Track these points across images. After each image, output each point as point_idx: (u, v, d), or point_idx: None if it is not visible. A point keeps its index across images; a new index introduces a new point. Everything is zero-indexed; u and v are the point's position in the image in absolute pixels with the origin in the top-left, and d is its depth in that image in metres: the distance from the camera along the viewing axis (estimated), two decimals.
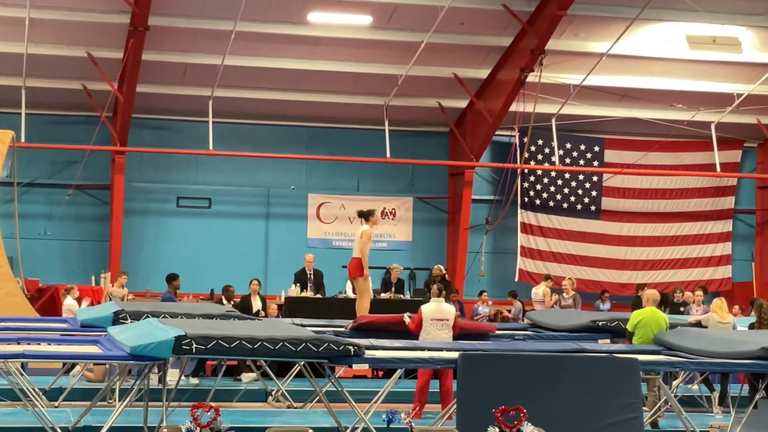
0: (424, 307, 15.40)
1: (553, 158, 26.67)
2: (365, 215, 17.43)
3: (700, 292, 21.11)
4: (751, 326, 17.35)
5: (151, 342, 11.98)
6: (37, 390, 15.05)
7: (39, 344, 13.73)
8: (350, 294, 22.36)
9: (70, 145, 24.75)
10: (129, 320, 14.82)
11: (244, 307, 19.85)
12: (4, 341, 13.49)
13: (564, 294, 22.05)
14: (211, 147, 24.63)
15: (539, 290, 22.60)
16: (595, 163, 27.40)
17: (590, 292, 25.19)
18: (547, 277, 23.15)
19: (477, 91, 25.50)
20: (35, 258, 24.80)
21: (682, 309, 21.04)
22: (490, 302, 24.05)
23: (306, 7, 22.81)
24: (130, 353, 12.12)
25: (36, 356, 12.90)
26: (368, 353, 12.80)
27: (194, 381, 17.98)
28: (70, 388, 15.89)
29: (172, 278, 20.84)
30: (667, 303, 20.57)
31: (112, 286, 22.05)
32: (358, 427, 13.10)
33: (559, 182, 27.27)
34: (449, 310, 15.49)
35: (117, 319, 14.98)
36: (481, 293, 24.42)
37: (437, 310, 15.31)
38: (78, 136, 24.87)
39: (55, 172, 25.41)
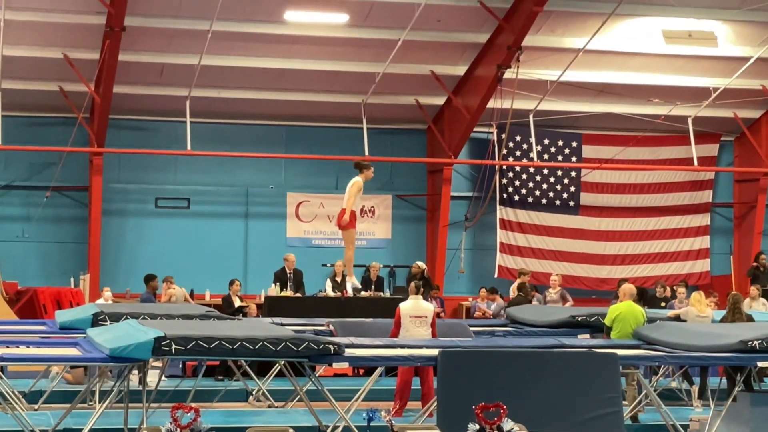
0: (402, 305, 15.42)
1: (531, 154, 26.71)
2: (360, 166, 17.45)
3: (683, 289, 21.15)
4: (723, 319, 17.40)
5: (131, 343, 11.96)
6: (16, 393, 15.00)
7: (18, 347, 13.69)
8: (330, 293, 22.40)
9: (48, 147, 24.67)
10: (108, 322, 14.78)
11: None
12: None
13: (550, 289, 22.08)
14: (189, 147, 24.59)
15: (513, 287, 22.62)
16: (573, 159, 27.46)
17: (570, 287, 25.21)
18: (521, 273, 23.12)
19: (454, 88, 25.53)
20: (13, 260, 24.73)
21: (663, 304, 21.09)
22: (498, 299, 23.65)
23: (282, 5, 22.80)
24: (109, 355, 12.10)
25: (15, 359, 12.87)
26: (348, 351, 12.81)
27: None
28: (49, 390, 15.86)
29: (149, 279, 20.84)
30: (645, 297, 20.62)
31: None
32: (339, 426, 13.11)
33: (538, 178, 27.32)
34: (427, 307, 15.51)
35: (96, 320, 14.95)
36: (480, 290, 24.41)
37: (415, 308, 15.33)
38: (55, 137, 24.79)
39: (32, 174, 25.33)
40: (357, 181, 17.36)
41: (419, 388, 15.41)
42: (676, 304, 20.46)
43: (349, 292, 19.02)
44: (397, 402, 15.24)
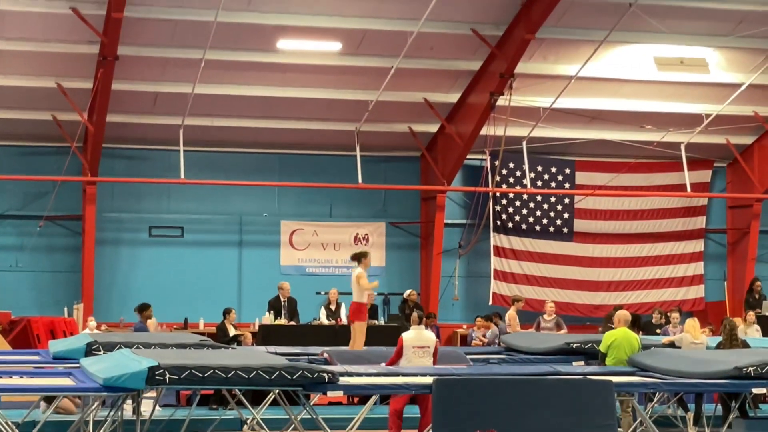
0: (404, 335, 15.37)
1: (524, 181, 26.74)
2: (358, 257, 17.65)
3: (676, 314, 21.18)
4: (719, 345, 17.43)
5: (124, 373, 11.94)
6: (9, 423, 14.93)
7: (11, 377, 13.65)
8: (324, 321, 22.41)
9: (41, 176, 24.67)
10: (102, 351, 14.75)
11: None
12: None
13: (545, 316, 22.08)
14: (182, 176, 24.59)
15: (507, 314, 22.65)
16: (567, 185, 27.49)
17: (564, 314, 25.21)
18: (515, 300, 23.14)
19: (447, 116, 25.57)
20: (7, 290, 24.69)
21: (658, 330, 21.10)
22: (495, 327, 23.71)
23: (275, 34, 22.85)
24: (103, 385, 12.08)
25: (8, 390, 12.83)
26: (343, 380, 12.80)
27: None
28: (43, 420, 15.78)
29: (143, 308, 20.80)
30: (639, 324, 20.64)
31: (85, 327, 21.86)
32: None
33: (531, 205, 27.34)
34: (430, 337, 15.46)
35: (90, 350, 14.91)
36: (476, 318, 24.43)
37: (418, 338, 15.28)
38: (48, 166, 24.79)
39: (25, 203, 25.31)
40: (358, 272, 17.53)
41: (417, 415, 15.36)
42: (669, 329, 20.47)
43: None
44: (392, 430, 15.19)
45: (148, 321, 20.67)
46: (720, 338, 18.15)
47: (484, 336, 23.73)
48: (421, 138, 26.26)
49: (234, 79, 23.89)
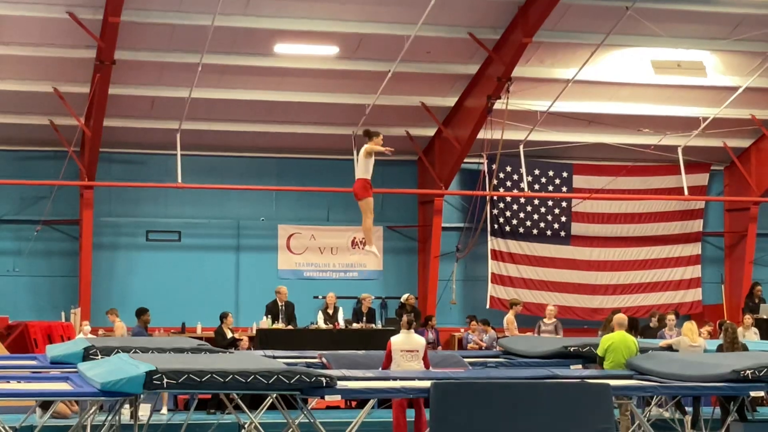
0: (393, 339, 15.36)
1: (521, 185, 26.75)
2: (369, 134, 16.95)
3: (672, 316, 21.19)
4: (719, 348, 17.44)
5: (122, 378, 11.91)
6: (7, 428, 14.92)
7: (8, 382, 13.63)
8: (321, 325, 22.40)
9: (38, 181, 24.67)
10: (99, 356, 14.73)
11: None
12: None
13: (545, 320, 22.07)
14: (179, 180, 24.58)
15: (505, 318, 22.64)
16: (564, 189, 27.50)
17: (562, 318, 25.18)
18: (513, 304, 23.12)
19: (444, 120, 25.58)
20: (4, 295, 24.71)
21: (657, 334, 21.09)
22: (493, 330, 23.80)
23: (272, 38, 22.85)
24: (100, 389, 12.05)
25: (5, 394, 12.80)
26: (340, 384, 12.78)
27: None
28: (40, 425, 15.79)
29: (141, 312, 20.78)
30: (636, 327, 20.63)
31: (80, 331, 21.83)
32: None
33: (529, 208, 27.35)
34: (419, 341, 15.43)
35: (87, 355, 14.89)
36: (470, 321, 24.43)
37: (406, 342, 15.25)
38: (46, 171, 24.80)
39: (23, 208, 25.30)
40: (365, 146, 16.78)
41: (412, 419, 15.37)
42: (666, 332, 20.46)
43: (377, 253, 18.02)
44: None
45: (116, 324, 20.63)
46: (718, 341, 18.17)
47: (481, 339, 23.72)
48: (418, 142, 26.27)
49: (231, 84, 23.90)
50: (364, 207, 16.91)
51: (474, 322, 24.21)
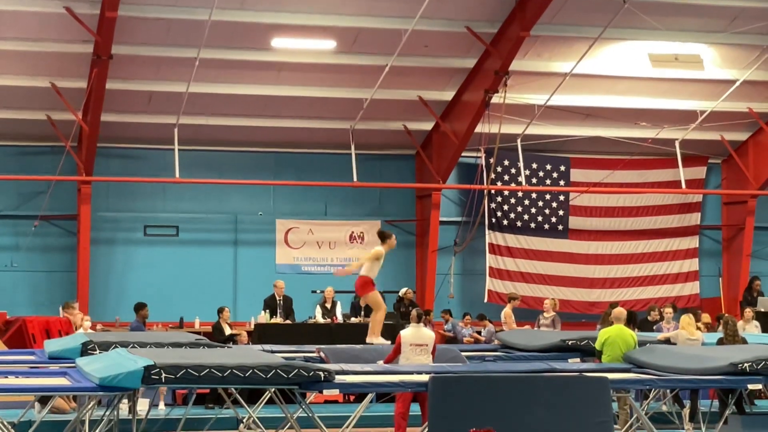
0: (403, 333, 15.33)
1: (519, 178, 26.75)
2: (383, 236, 17.22)
3: (669, 309, 21.20)
4: (720, 341, 17.46)
5: (120, 372, 11.93)
6: (5, 423, 14.92)
7: (6, 377, 13.64)
8: (320, 319, 22.41)
9: (36, 176, 24.64)
10: (97, 351, 14.74)
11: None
12: None
13: (544, 314, 22.08)
14: (177, 175, 24.58)
15: (503, 312, 22.66)
16: (562, 183, 27.50)
17: (560, 311, 25.20)
18: (511, 298, 23.13)
19: (442, 114, 25.57)
20: (2, 290, 24.71)
21: (654, 327, 21.11)
22: (491, 324, 23.83)
23: (269, 32, 22.83)
24: (99, 384, 12.06)
25: (3, 390, 12.80)
26: (339, 378, 12.80)
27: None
28: (39, 421, 15.78)
29: (139, 307, 20.81)
30: (635, 321, 20.65)
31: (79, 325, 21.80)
32: None
33: (526, 202, 27.35)
34: (428, 335, 15.42)
35: (85, 350, 14.89)
36: (464, 315, 24.44)
37: (416, 336, 15.24)
38: (43, 166, 24.77)
39: (20, 203, 25.28)
40: (377, 249, 17.09)
41: (416, 413, 15.37)
42: (663, 325, 20.48)
43: (382, 343, 17.62)
44: (397, 430, 15.18)
45: (84, 323, 20.61)
46: (718, 334, 18.18)
47: (479, 333, 23.73)
48: (416, 136, 26.26)
49: (228, 78, 23.88)
50: (370, 302, 17.07)
51: (468, 317, 24.24)
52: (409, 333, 15.26)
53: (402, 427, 15.23)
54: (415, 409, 15.44)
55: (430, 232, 26.37)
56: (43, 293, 25.22)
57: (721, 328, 17.96)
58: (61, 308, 21.56)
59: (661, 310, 21.65)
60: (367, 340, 17.37)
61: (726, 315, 18.42)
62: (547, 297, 24.59)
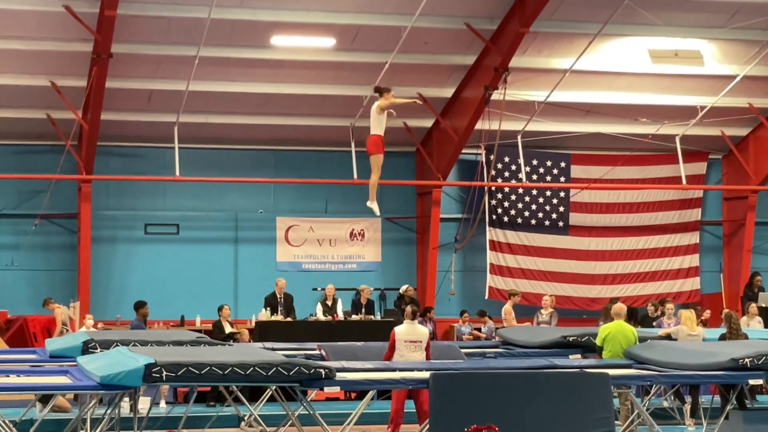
0: (397, 329, 15.38)
1: (519, 175, 26.75)
2: (380, 90, 16.74)
3: (670, 305, 21.20)
4: (722, 337, 17.46)
5: (121, 371, 11.93)
6: (6, 422, 14.93)
7: (8, 376, 13.64)
8: (320, 317, 22.42)
9: (36, 175, 24.65)
10: (98, 349, 14.74)
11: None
12: None
13: (542, 310, 22.08)
14: (177, 173, 24.58)
15: (503, 308, 22.65)
16: (562, 179, 27.50)
17: (560, 308, 25.21)
18: (511, 294, 23.13)
19: (442, 110, 25.57)
20: (3, 289, 24.73)
21: (654, 323, 21.11)
22: (491, 321, 23.88)
23: (269, 30, 22.83)
24: (100, 383, 12.06)
25: (4, 388, 12.80)
26: (339, 375, 12.80)
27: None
28: (40, 419, 15.78)
29: (139, 306, 20.83)
30: (635, 316, 20.64)
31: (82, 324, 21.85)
32: None
33: (527, 199, 27.35)
34: (422, 331, 15.46)
35: (86, 348, 14.90)
36: (462, 313, 24.46)
37: (410, 332, 15.27)
38: (43, 165, 24.78)
39: (21, 202, 25.29)
40: (377, 102, 16.57)
41: (413, 410, 15.38)
42: (664, 321, 20.47)
43: (376, 211, 17.68)
44: (390, 426, 15.21)
45: (87, 321, 20.65)
46: (720, 330, 18.18)
47: (479, 331, 23.74)
48: (416, 133, 26.26)
49: (228, 76, 23.87)
50: (373, 162, 16.85)
51: (465, 314, 24.28)
52: (403, 329, 15.29)
53: (397, 424, 15.25)
54: (410, 406, 15.47)
55: (431, 229, 26.37)
56: (44, 292, 25.15)
57: (724, 323, 17.94)
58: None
59: (662, 304, 21.63)
60: (368, 204, 17.33)
61: (729, 310, 18.40)
62: (547, 293, 24.57)
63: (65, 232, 25.47)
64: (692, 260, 28.32)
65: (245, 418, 16.77)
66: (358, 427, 14.96)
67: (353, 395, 19.72)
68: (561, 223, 27.59)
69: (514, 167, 26.86)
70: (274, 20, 22.51)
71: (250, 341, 20.47)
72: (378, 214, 17.79)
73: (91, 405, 14.81)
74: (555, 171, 27.47)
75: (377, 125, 16.68)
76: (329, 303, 22.75)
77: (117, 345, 14.57)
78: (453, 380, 12.70)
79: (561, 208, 27.62)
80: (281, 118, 25.37)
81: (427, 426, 12.93)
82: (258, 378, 12.29)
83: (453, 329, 25.42)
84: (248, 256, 26.37)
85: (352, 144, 25.63)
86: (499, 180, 26.82)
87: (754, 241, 28.20)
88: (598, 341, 15.92)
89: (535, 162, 27.22)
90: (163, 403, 18.69)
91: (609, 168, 27.23)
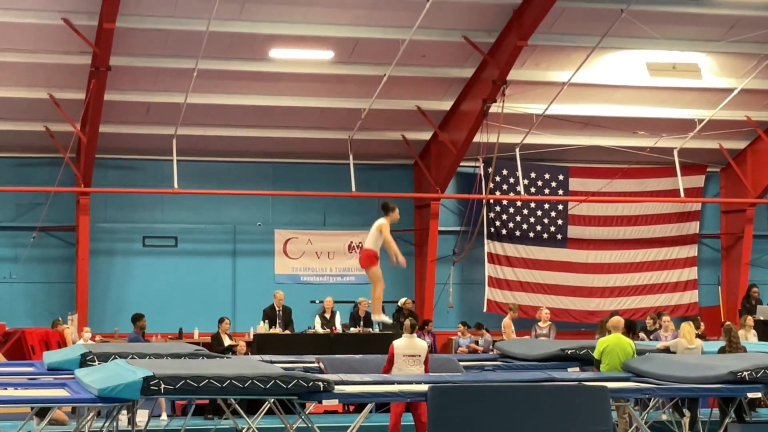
0: (396, 343, 15.36)
1: (518, 188, 26.76)
2: (386, 209, 16.74)
3: (667, 317, 21.19)
4: (722, 350, 17.45)
5: (119, 383, 11.90)
6: None
7: (5, 389, 13.61)
8: (319, 329, 22.40)
9: (34, 188, 24.66)
10: (96, 362, 14.72)
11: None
12: None
13: (540, 323, 22.08)
14: (175, 185, 24.58)
15: (502, 322, 22.67)
16: (560, 192, 27.51)
17: (558, 320, 25.23)
18: (511, 309, 23.15)
19: (440, 123, 25.59)
20: (1, 302, 24.70)
21: (651, 337, 21.10)
22: (488, 333, 23.91)
23: (267, 43, 22.85)
24: (98, 395, 12.04)
25: (3, 401, 12.78)
26: (338, 388, 12.78)
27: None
28: None
29: (136, 318, 20.81)
30: (634, 330, 20.63)
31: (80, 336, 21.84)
32: None
33: (525, 212, 27.36)
34: (421, 345, 15.44)
35: (84, 361, 14.87)
36: (462, 324, 24.45)
37: (409, 346, 15.25)
38: (42, 177, 24.77)
39: (19, 214, 25.29)
40: (380, 222, 16.53)
41: (411, 423, 15.37)
42: (661, 333, 20.47)
43: (387, 322, 17.43)
44: None
45: (84, 334, 20.62)
46: (719, 343, 18.17)
47: (476, 343, 23.73)
48: (414, 146, 26.28)
49: (227, 89, 23.90)
50: (371, 276, 16.77)
51: (462, 326, 24.28)
52: (402, 343, 15.27)
53: None
54: (408, 419, 15.45)
55: (429, 241, 26.37)
56: (41, 305, 25.21)
57: (723, 336, 17.94)
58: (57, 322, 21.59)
59: (659, 317, 21.63)
60: (373, 318, 17.21)
61: (728, 323, 18.40)
62: (545, 306, 24.58)
63: (63, 245, 25.46)
64: (690, 273, 28.32)
65: (243, 431, 16.74)
66: None
67: (351, 408, 19.71)
68: (559, 236, 27.60)
69: (512, 180, 26.88)
70: (272, 33, 22.53)
71: (247, 354, 20.45)
72: (389, 322, 17.45)
73: (89, 418, 14.77)
74: (553, 184, 27.48)
75: (373, 242, 16.43)
76: (327, 316, 22.73)
77: (115, 358, 14.54)
78: (451, 393, 12.69)
79: (559, 221, 27.63)
80: (280, 131, 25.39)
81: None
82: (256, 391, 12.27)
83: (452, 342, 25.43)
84: (246, 268, 26.36)
85: (351, 157, 25.64)
86: (498, 193, 26.84)
87: (753, 254, 28.21)
88: (596, 354, 15.90)
89: (533, 175, 27.23)
90: (164, 416, 18.67)
91: (607, 181, 27.25)
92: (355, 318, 23.11)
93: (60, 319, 22.95)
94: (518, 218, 27.31)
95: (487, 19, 22.95)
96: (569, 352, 17.31)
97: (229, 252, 26.44)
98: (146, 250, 26.05)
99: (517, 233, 27.27)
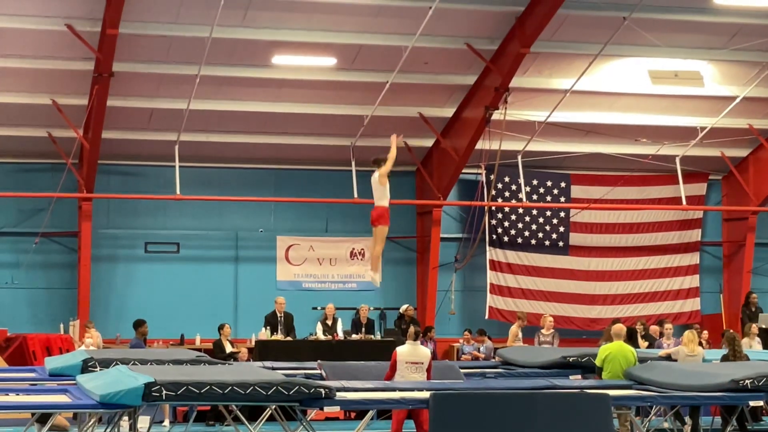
0: (399, 350, 15.33)
1: (520, 195, 26.76)
2: (379, 162, 16.72)
3: (668, 325, 21.17)
4: (724, 358, 17.44)
5: (121, 390, 11.90)
6: None
7: (7, 394, 13.61)
8: (320, 336, 22.40)
9: (36, 193, 24.67)
10: (98, 368, 14.71)
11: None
12: None
13: (543, 330, 22.08)
14: (178, 192, 24.59)
15: (510, 330, 22.68)
16: (562, 199, 27.51)
17: (560, 328, 25.20)
18: (519, 317, 23.17)
19: (443, 130, 25.60)
20: (3, 307, 24.68)
21: (655, 344, 21.08)
22: (490, 341, 23.95)
23: (270, 50, 22.87)
24: (99, 401, 12.04)
25: (3, 407, 12.78)
26: (339, 395, 12.77)
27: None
28: None
29: (138, 324, 20.80)
30: (635, 337, 20.62)
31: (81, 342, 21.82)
32: None
33: (527, 219, 27.36)
34: (424, 353, 15.40)
35: (86, 367, 14.87)
36: (468, 331, 24.44)
37: (412, 353, 15.22)
38: (44, 183, 24.80)
39: (21, 220, 25.30)
40: (378, 172, 16.54)
41: (413, 430, 15.35)
42: (663, 342, 20.46)
43: (377, 282, 17.37)
44: None
45: (86, 340, 20.60)
46: (722, 351, 18.16)
47: (478, 350, 23.72)
48: (416, 152, 26.28)
49: (229, 95, 23.92)
50: (378, 234, 16.63)
51: (467, 333, 24.29)
52: (405, 350, 15.25)
53: None
54: (409, 426, 15.43)
55: (431, 248, 26.36)
56: (43, 310, 25.22)
57: (725, 344, 17.93)
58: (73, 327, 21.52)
59: (660, 325, 21.62)
60: (369, 273, 17.18)
61: (731, 331, 18.39)
62: (547, 313, 24.57)
63: (65, 251, 25.47)
64: (692, 281, 28.30)
65: None
66: None
67: (353, 415, 19.70)
68: (561, 243, 27.59)
69: (514, 187, 26.88)
70: (275, 39, 22.55)
71: (249, 360, 20.46)
72: (378, 285, 17.47)
73: (90, 424, 14.77)
74: (555, 191, 27.48)
75: (381, 196, 16.44)
76: (329, 322, 22.74)
77: (117, 364, 14.53)
78: (453, 400, 12.68)
79: (561, 228, 27.62)
80: (282, 137, 25.40)
81: None
82: (258, 397, 12.27)
83: (453, 349, 25.44)
84: (248, 275, 26.36)
85: (353, 163, 25.64)
86: (500, 200, 26.84)
87: (754, 262, 28.20)
88: (597, 362, 15.89)
89: (535, 182, 27.24)
90: (166, 422, 18.66)
91: (609, 188, 27.25)
92: (356, 325, 23.12)
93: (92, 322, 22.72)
94: (520, 225, 27.31)
95: (489, 27, 22.97)
96: (571, 359, 17.30)
97: (231, 258, 26.44)
98: (148, 256, 26.05)
99: (519, 240, 27.27)
